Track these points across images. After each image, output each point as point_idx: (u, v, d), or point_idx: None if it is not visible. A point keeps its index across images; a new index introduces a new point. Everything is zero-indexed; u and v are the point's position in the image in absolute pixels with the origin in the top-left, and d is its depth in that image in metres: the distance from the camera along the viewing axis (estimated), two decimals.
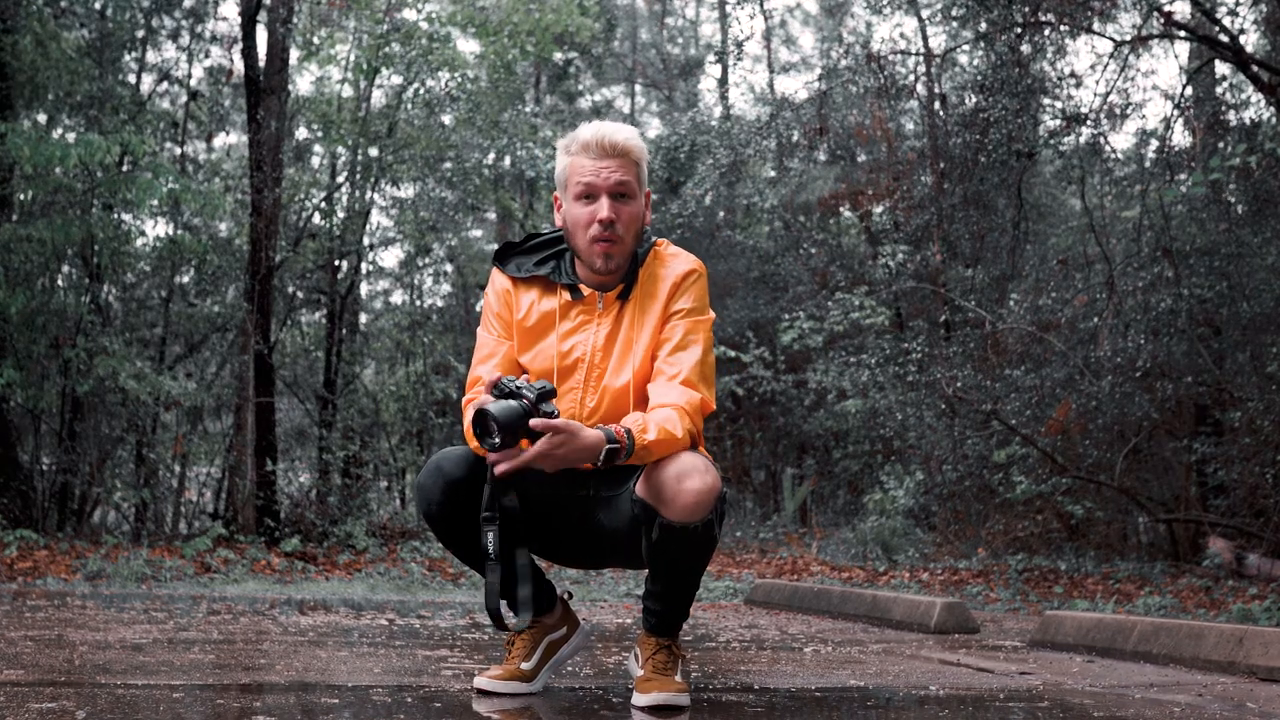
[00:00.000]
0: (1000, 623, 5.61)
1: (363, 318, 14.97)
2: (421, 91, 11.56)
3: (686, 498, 2.43)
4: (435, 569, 8.52)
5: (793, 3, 25.57)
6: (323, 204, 11.69)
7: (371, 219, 12.74)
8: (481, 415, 2.41)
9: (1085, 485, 9.06)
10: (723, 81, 18.19)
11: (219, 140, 13.82)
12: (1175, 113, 8.91)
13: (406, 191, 12.90)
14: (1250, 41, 9.72)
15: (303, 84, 13.23)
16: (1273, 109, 8.44)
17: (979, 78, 9.06)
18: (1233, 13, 8.82)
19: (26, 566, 7.17)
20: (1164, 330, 8.34)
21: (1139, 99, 20.72)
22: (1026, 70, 8.76)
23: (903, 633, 4.99)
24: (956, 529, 10.74)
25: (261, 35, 10.51)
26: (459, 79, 11.43)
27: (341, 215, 11.74)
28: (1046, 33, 8.86)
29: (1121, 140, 20.75)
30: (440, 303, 16.34)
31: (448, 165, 12.03)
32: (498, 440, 2.40)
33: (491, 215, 16.61)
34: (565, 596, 2.89)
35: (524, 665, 2.74)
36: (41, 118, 10.20)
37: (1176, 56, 12.48)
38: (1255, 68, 8.12)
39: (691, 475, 2.44)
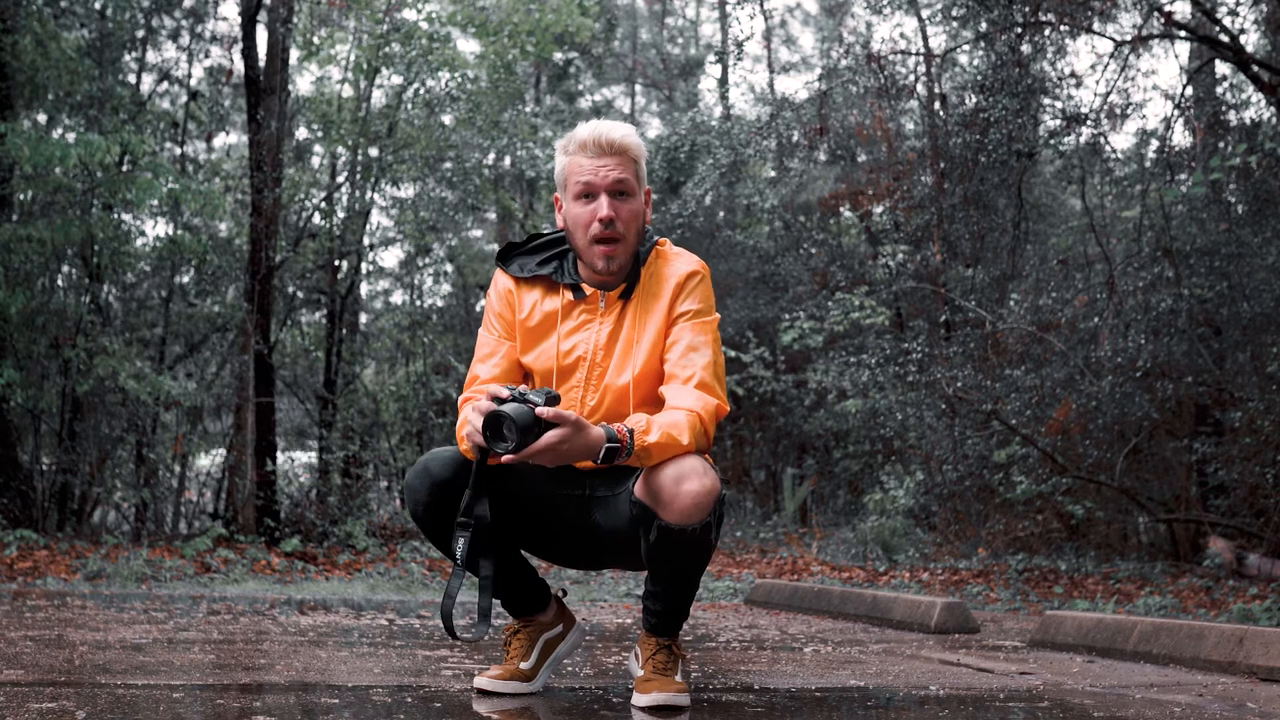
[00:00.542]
0: (1000, 623, 5.61)
1: (363, 318, 14.98)
2: (421, 91, 11.56)
3: (685, 500, 2.43)
4: (435, 569, 8.52)
5: (793, 3, 25.58)
6: (323, 204, 11.69)
7: (371, 219, 12.75)
8: (495, 418, 2.38)
9: (1085, 485, 9.06)
10: (723, 81, 18.20)
11: (219, 140, 13.84)
12: (1175, 113, 8.91)
13: (406, 191, 12.90)
14: (1250, 41, 9.72)
15: (303, 84, 13.25)
16: (1273, 109, 8.44)
17: (979, 78, 9.06)
18: (1233, 13, 8.82)
19: (26, 566, 7.17)
20: (1164, 330, 8.34)
21: (1139, 99, 20.74)
22: (1026, 70, 8.76)
23: (903, 633, 4.99)
24: (957, 529, 10.74)
25: (261, 35, 10.52)
26: (459, 79, 11.43)
27: (341, 215, 11.75)
28: (1046, 33, 8.86)
29: (1121, 140, 20.77)
30: (440, 303, 16.34)
31: (448, 165, 12.03)
32: (512, 444, 2.37)
33: (491, 215, 16.61)
34: (560, 594, 2.88)
35: (523, 665, 2.74)
36: (41, 118, 10.21)
37: (1176, 56, 12.49)
38: (1255, 68, 8.12)
39: (690, 478, 2.43)
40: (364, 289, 14.81)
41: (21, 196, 9.44)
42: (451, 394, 12.33)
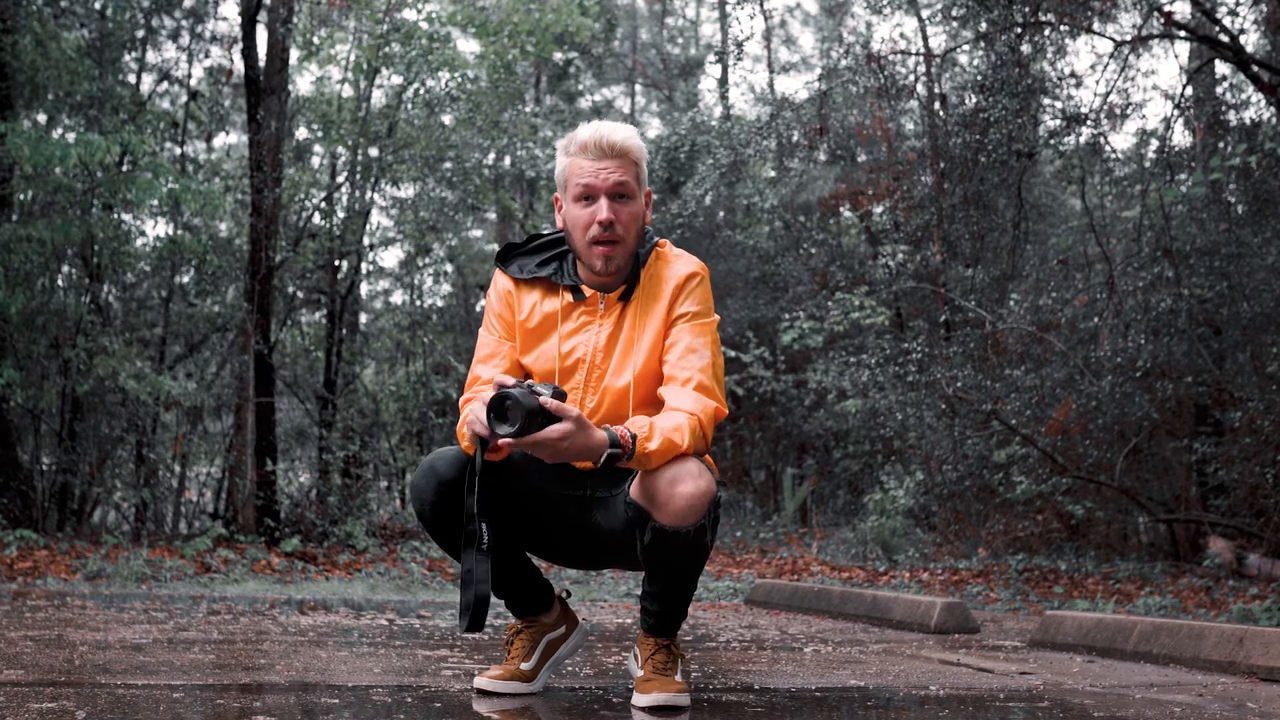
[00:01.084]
0: (1000, 623, 5.61)
1: (363, 318, 14.98)
2: (421, 91, 11.56)
3: (679, 502, 2.43)
4: (435, 569, 8.52)
5: (793, 3, 25.58)
6: (323, 204, 11.69)
7: (371, 219, 12.75)
8: (501, 399, 2.36)
9: (1085, 485, 9.06)
10: (723, 81, 18.20)
11: (219, 140, 13.84)
12: (1175, 113, 8.91)
13: (406, 191, 12.90)
14: (1250, 41, 9.72)
15: (303, 84, 13.24)
16: (1273, 109, 8.44)
17: (979, 78, 9.06)
18: (1233, 13, 8.82)
19: (26, 566, 7.17)
20: (1164, 330, 8.34)
21: (1139, 99, 20.76)
22: (1026, 70, 8.75)
23: (903, 633, 4.99)
24: (956, 529, 10.74)
25: (261, 35, 10.52)
26: (459, 79, 11.43)
27: (341, 215, 11.74)
28: (1046, 33, 8.86)
29: (1121, 140, 20.77)
30: (440, 303, 16.34)
31: (448, 165, 12.03)
32: (516, 426, 2.35)
33: (491, 215, 16.62)
34: (563, 595, 2.88)
35: (523, 665, 2.74)
36: (41, 118, 10.21)
37: (1176, 56, 12.49)
38: (1255, 68, 8.11)
39: (685, 480, 2.43)
40: (364, 289, 14.82)
41: (21, 196, 9.44)
42: (451, 394, 12.33)
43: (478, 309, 15.68)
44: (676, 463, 2.45)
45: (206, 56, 11.64)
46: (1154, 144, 9.57)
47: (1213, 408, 9.54)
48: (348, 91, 12.07)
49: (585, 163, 2.60)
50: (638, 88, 21.90)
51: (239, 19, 10.62)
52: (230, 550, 8.70)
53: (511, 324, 2.72)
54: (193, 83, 11.68)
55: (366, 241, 12.27)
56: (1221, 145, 8.88)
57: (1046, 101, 9.41)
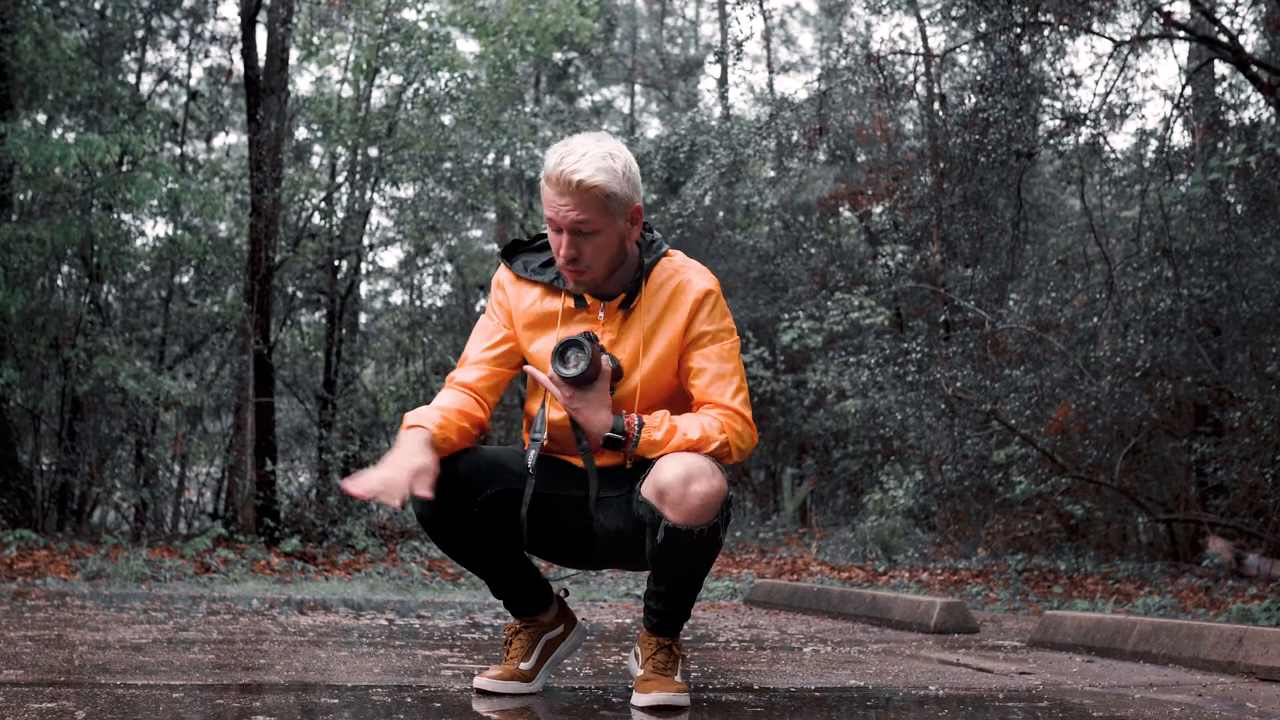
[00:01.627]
0: (1000, 623, 5.61)
1: (362, 318, 14.98)
2: (421, 91, 11.56)
3: (693, 501, 2.43)
4: (435, 569, 8.52)
5: (792, 3, 25.59)
6: (322, 204, 11.70)
7: (371, 219, 12.75)
8: (576, 345, 2.51)
9: (1085, 485, 9.06)
10: (722, 81, 18.20)
11: (219, 140, 13.84)
12: (1175, 113, 8.91)
13: (406, 191, 12.90)
14: (1250, 41, 9.72)
15: (302, 84, 13.25)
16: (1272, 109, 8.44)
17: (979, 78, 9.06)
18: (1232, 13, 8.82)
19: (26, 566, 7.18)
20: (1164, 330, 8.34)
21: (1139, 99, 20.73)
22: (1026, 70, 8.76)
23: (902, 633, 4.99)
24: (956, 529, 10.74)
25: (261, 35, 10.52)
26: (459, 79, 11.43)
27: (341, 215, 11.75)
28: (1046, 33, 8.86)
29: (1121, 140, 20.76)
30: (440, 303, 16.34)
31: (447, 165, 12.03)
32: (581, 370, 2.50)
33: (491, 215, 16.62)
34: (561, 594, 2.88)
35: (523, 665, 2.74)
36: (41, 118, 10.21)
37: (1176, 56, 12.49)
38: (1255, 68, 8.12)
39: (698, 479, 2.43)
40: (364, 289, 14.83)
41: (21, 196, 9.44)
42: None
43: (477, 309, 15.68)
44: (688, 460, 2.46)
45: (206, 56, 11.65)
46: (1153, 144, 9.58)
47: (1212, 408, 9.54)
48: (347, 91, 12.07)
49: (549, 193, 2.55)
50: (637, 88, 21.90)
51: (239, 19, 10.63)
52: (230, 550, 8.70)
53: (509, 310, 2.72)
54: (192, 83, 11.69)
55: (366, 241, 12.28)
56: (1221, 145, 8.88)
57: (1046, 101, 9.41)
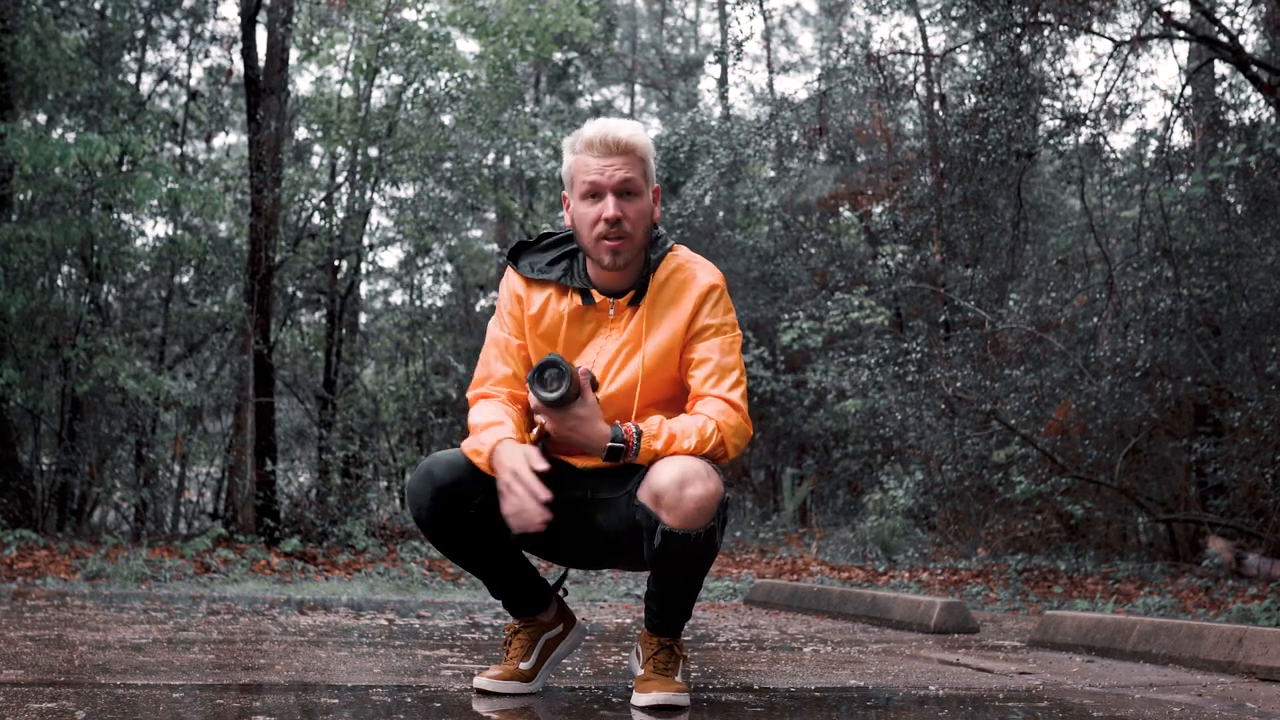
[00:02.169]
0: (1000, 623, 5.61)
1: (362, 318, 14.98)
2: (421, 91, 11.56)
3: (688, 505, 2.43)
4: (435, 569, 8.52)
5: (792, 3, 25.60)
6: (322, 204, 11.70)
7: (371, 219, 12.75)
8: (555, 368, 2.48)
9: (1085, 485, 9.06)
10: (722, 81, 18.20)
11: (219, 140, 13.84)
12: (1175, 113, 8.91)
13: (406, 191, 12.90)
14: (1250, 41, 9.72)
15: (302, 84, 13.25)
16: (1272, 109, 8.44)
17: (979, 78, 9.06)
18: (1232, 13, 8.82)
19: (26, 566, 7.18)
20: (1164, 330, 8.34)
21: (1139, 99, 20.75)
22: (1026, 70, 8.75)
23: (902, 633, 4.99)
24: (956, 529, 10.74)
25: (261, 35, 10.52)
26: (459, 79, 11.43)
27: (341, 215, 11.75)
28: (1046, 33, 8.86)
29: (1121, 140, 20.77)
30: (440, 303, 16.34)
31: (447, 165, 12.03)
32: (564, 391, 2.47)
33: (491, 215, 16.62)
34: (560, 593, 2.88)
35: (522, 665, 2.74)
36: (41, 118, 10.21)
37: (1176, 56, 12.49)
38: (1255, 68, 8.12)
39: (694, 482, 2.43)
40: (364, 289, 14.83)
41: (21, 196, 9.45)
42: (451, 394, 12.33)
43: (477, 309, 15.69)
44: (684, 463, 2.45)
45: (206, 56, 11.65)
46: (1153, 144, 9.58)
47: (1212, 408, 9.54)
48: (347, 91, 12.07)
49: (591, 160, 2.60)
50: (637, 88, 21.91)
51: (239, 19, 10.63)
52: (230, 550, 8.70)
53: (521, 320, 2.72)
54: (192, 83, 11.69)
55: (366, 241, 12.28)
56: (1221, 145, 8.88)
57: (1046, 101, 9.41)
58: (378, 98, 12.03)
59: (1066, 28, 8.78)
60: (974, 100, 9.04)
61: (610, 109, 21.05)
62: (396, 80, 11.87)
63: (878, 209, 14.42)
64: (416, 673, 3.06)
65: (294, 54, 11.49)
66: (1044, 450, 8.67)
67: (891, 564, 9.72)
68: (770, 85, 18.82)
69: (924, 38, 11.90)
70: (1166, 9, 8.41)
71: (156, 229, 11.76)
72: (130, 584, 6.81)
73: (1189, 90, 9.11)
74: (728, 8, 18.78)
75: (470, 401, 2.71)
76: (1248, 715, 2.73)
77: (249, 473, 9.82)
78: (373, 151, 11.72)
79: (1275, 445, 7.81)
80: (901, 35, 15.50)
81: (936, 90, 10.44)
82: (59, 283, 10.00)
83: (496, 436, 2.53)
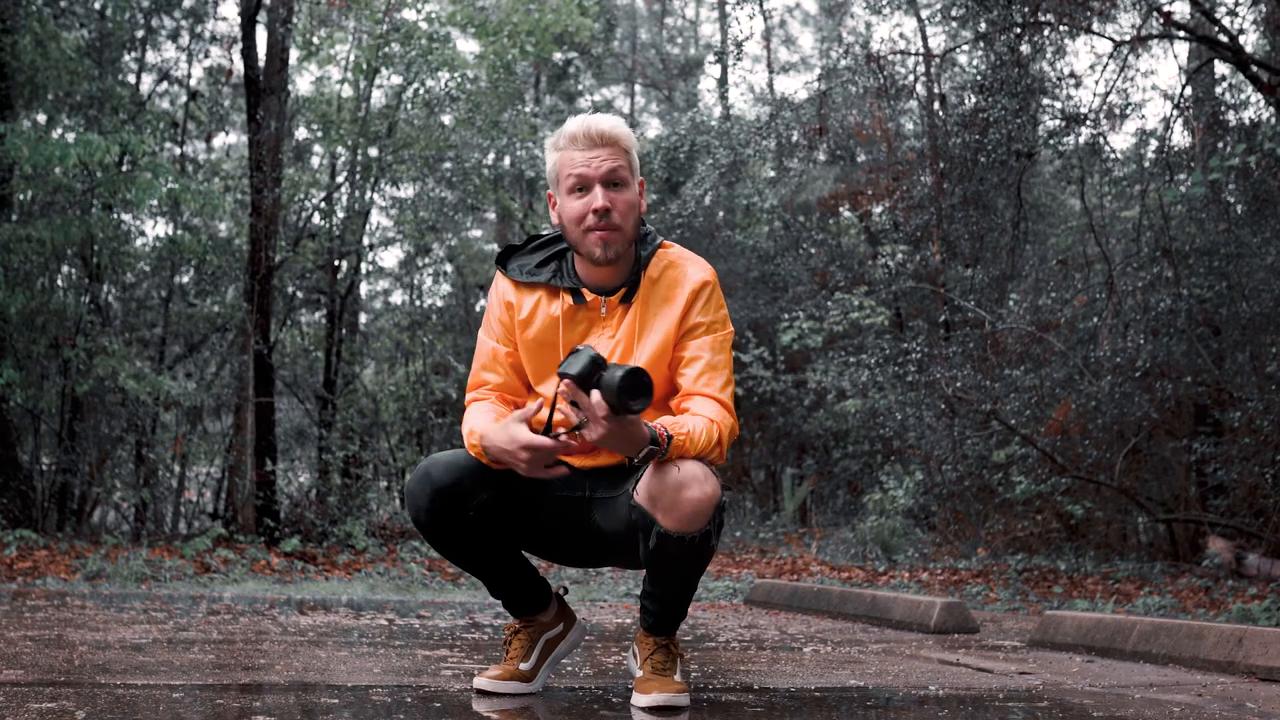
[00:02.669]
0: (1000, 623, 5.61)
1: (362, 318, 14.98)
2: (421, 91, 11.56)
3: (685, 507, 2.42)
4: (435, 569, 8.52)
5: (792, 3, 25.59)
6: (322, 204, 11.70)
7: (371, 219, 12.75)
8: (647, 379, 2.37)
9: (1085, 485, 9.06)
10: (722, 81, 18.20)
11: (219, 140, 13.84)
12: (1175, 113, 8.91)
13: (406, 191, 12.90)
14: (1250, 41, 9.72)
15: (302, 84, 13.25)
16: (1272, 109, 8.44)
17: (979, 78, 9.06)
18: (1232, 13, 8.82)
19: (26, 566, 7.18)
20: (1164, 330, 8.34)
21: (1139, 99, 20.74)
22: (1026, 70, 8.75)
23: (902, 633, 4.99)
24: (956, 529, 10.74)
25: (261, 35, 10.52)
26: (459, 79, 11.43)
27: (341, 215, 11.75)
28: (1046, 33, 8.86)
29: (1121, 140, 20.76)
30: (440, 303, 16.34)
31: (447, 165, 12.03)
32: (646, 402, 2.37)
33: (491, 215, 16.62)
34: (561, 592, 2.88)
35: (522, 665, 2.74)
36: (41, 118, 10.21)
37: (1176, 57, 12.49)
38: (1255, 68, 8.12)
39: (691, 485, 2.42)
40: (364, 289, 14.83)
41: (21, 196, 9.45)
42: (451, 394, 12.32)
43: (477, 309, 15.68)
44: (682, 466, 2.44)
45: (206, 56, 11.65)
46: (1153, 144, 9.57)
47: (1212, 408, 9.54)
48: (347, 91, 12.07)
49: (576, 154, 2.59)
50: (637, 88, 21.90)
51: (239, 19, 10.63)
52: (230, 550, 8.70)
53: (510, 327, 2.71)
54: (192, 83, 11.69)
55: (366, 241, 12.28)
56: (1221, 145, 8.88)
57: (1046, 101, 9.41)
58: (378, 98, 12.04)
59: (1066, 28, 8.78)
60: (974, 100, 9.04)
61: (610, 109, 21.05)
62: (396, 80, 11.87)
63: (878, 209, 14.41)
64: (416, 673, 3.06)
65: (294, 54, 11.49)
66: (1044, 450, 8.67)
67: (891, 564, 9.72)
68: (770, 85, 18.83)
69: (924, 38, 11.90)
70: (1166, 9, 8.41)
71: (156, 229, 11.77)
72: (130, 584, 6.81)
73: (1189, 90, 9.11)
74: (728, 8, 18.78)
75: (466, 406, 2.72)
76: (1248, 715, 2.73)
77: (249, 473, 9.82)
78: (373, 151, 11.72)
79: (1275, 445, 7.81)
80: (901, 35, 15.51)
81: (936, 90, 10.44)
82: (59, 283, 10.01)
83: (480, 428, 2.54)
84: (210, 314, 11.24)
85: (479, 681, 2.72)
